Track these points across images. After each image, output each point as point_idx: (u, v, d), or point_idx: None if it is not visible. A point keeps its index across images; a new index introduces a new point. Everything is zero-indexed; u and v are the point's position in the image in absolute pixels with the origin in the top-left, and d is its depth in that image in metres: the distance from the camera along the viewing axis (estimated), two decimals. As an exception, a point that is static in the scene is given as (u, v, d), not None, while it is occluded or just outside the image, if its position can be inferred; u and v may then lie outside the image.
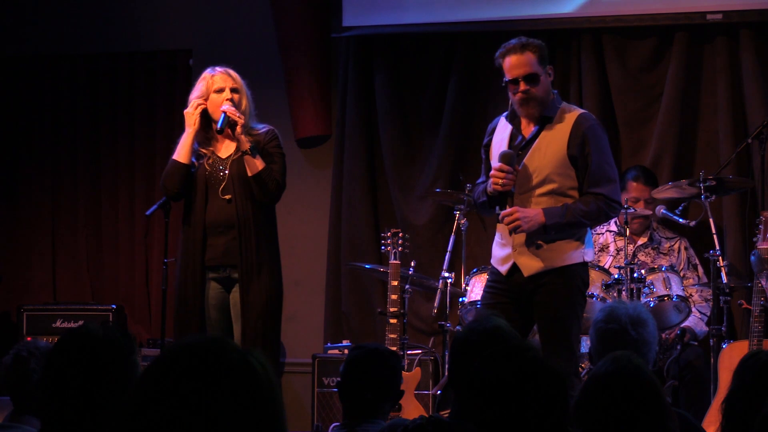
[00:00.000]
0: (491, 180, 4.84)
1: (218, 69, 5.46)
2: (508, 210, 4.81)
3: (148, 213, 6.19)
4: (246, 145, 5.31)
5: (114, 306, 7.37)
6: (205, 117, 5.43)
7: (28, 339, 6.82)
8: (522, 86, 4.85)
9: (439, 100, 7.28)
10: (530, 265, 4.85)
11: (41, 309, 7.40)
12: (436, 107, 7.29)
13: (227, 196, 5.34)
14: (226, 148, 5.43)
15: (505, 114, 5.04)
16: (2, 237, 8.10)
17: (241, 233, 5.29)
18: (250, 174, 5.32)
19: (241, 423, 1.63)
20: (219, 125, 5.33)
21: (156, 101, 7.94)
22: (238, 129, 5.32)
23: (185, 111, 5.46)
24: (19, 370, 3.81)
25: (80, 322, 7.27)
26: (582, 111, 5.02)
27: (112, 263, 7.94)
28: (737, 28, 6.74)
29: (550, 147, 4.86)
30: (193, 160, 5.45)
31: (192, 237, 5.38)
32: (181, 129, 7.82)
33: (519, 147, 4.92)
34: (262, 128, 5.48)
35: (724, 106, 6.73)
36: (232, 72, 5.46)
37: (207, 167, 5.41)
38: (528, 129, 4.94)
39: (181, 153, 5.41)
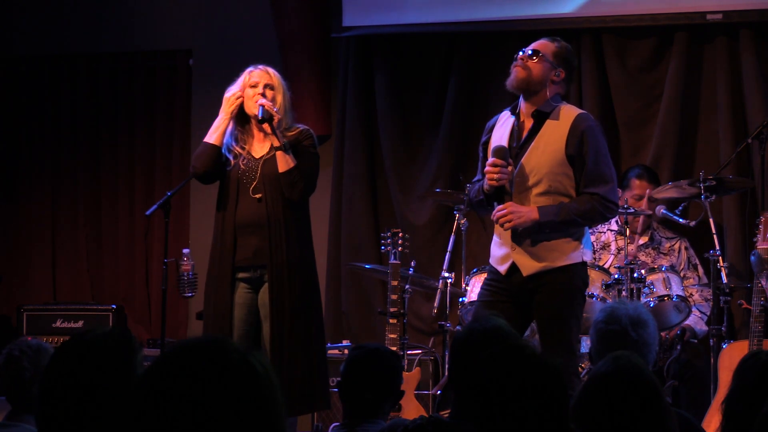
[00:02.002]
0: (486, 176, 4.85)
1: (260, 66, 5.46)
2: (502, 206, 4.81)
3: (148, 213, 6.18)
4: (281, 140, 5.28)
5: (114, 306, 7.37)
6: (240, 112, 5.42)
7: (29, 339, 6.82)
8: (522, 54, 4.93)
9: (439, 100, 7.28)
10: (529, 264, 4.85)
11: (41, 309, 7.40)
12: (436, 107, 7.29)
13: (258, 195, 5.32)
14: (261, 148, 5.38)
15: (508, 108, 5.04)
16: (2, 237, 8.10)
17: (270, 233, 5.27)
18: (280, 170, 5.30)
19: (241, 423, 1.63)
20: (260, 115, 5.29)
21: (156, 101, 7.94)
22: (274, 123, 5.30)
23: (225, 96, 5.43)
24: (12, 369, 3.81)
25: (80, 323, 7.27)
26: (581, 111, 5.01)
27: (112, 263, 7.94)
28: (737, 28, 6.74)
29: (549, 146, 4.85)
30: (229, 156, 5.41)
31: (223, 237, 5.35)
32: (181, 129, 7.88)
33: (518, 146, 4.92)
34: (299, 127, 5.46)
35: (724, 106, 6.73)
36: (271, 70, 5.44)
37: (242, 166, 5.39)
38: (527, 124, 4.94)
39: (213, 135, 5.37)
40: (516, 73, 4.92)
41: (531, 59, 4.91)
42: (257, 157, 5.38)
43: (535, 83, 4.90)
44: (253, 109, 5.35)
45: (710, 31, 6.82)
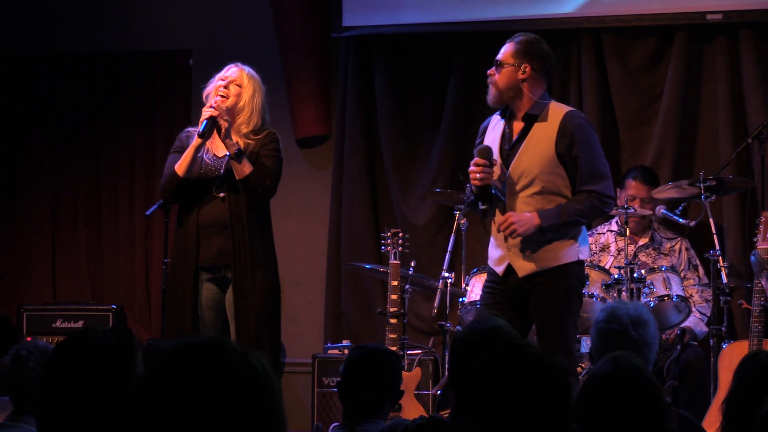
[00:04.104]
0: (470, 176, 4.86)
1: (239, 65, 5.46)
2: (503, 217, 4.83)
3: (148, 213, 6.18)
4: (232, 149, 5.27)
5: (114, 306, 7.36)
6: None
7: (29, 339, 6.81)
8: (489, 71, 4.97)
9: (439, 100, 7.28)
10: (524, 266, 4.85)
11: (41, 309, 7.40)
12: (436, 107, 7.29)
13: (221, 195, 5.31)
14: (222, 146, 5.40)
15: (498, 111, 5.05)
16: (2, 237, 8.10)
17: (234, 233, 5.26)
18: (238, 178, 5.27)
19: (241, 423, 1.62)
20: (200, 130, 5.29)
21: (156, 101, 7.94)
22: (222, 133, 5.27)
23: (203, 108, 5.41)
24: (18, 369, 3.81)
25: (80, 323, 7.27)
26: (569, 109, 5.01)
27: (112, 263, 7.94)
28: (737, 28, 6.74)
29: (538, 146, 4.86)
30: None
31: (186, 237, 5.34)
32: (181, 129, 7.84)
33: (509, 149, 4.93)
34: (266, 129, 5.44)
35: (724, 106, 6.73)
36: (247, 70, 5.43)
37: (206, 160, 5.36)
38: (517, 127, 4.95)
39: (183, 165, 5.33)
40: (489, 91, 4.99)
41: (496, 73, 4.94)
42: (220, 155, 5.36)
43: (505, 92, 4.92)
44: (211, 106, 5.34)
45: (710, 31, 6.82)
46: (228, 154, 5.30)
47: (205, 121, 5.28)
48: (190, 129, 5.49)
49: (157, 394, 1.63)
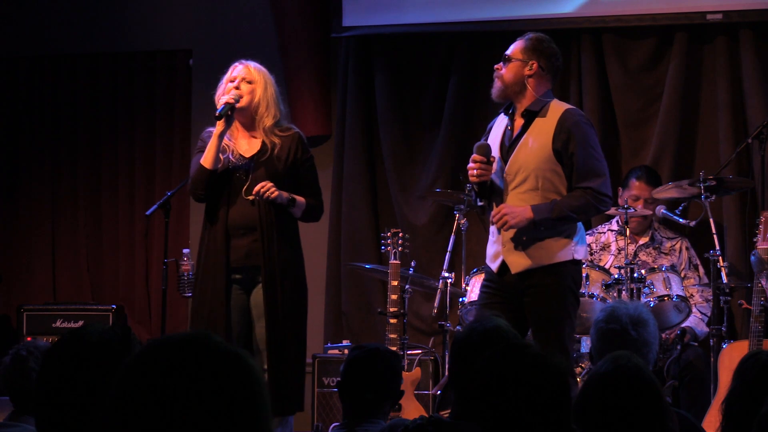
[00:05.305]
0: (468, 173, 4.88)
1: (243, 61, 5.46)
2: (496, 209, 4.84)
3: (148, 213, 6.19)
4: (285, 202, 5.28)
5: (114, 306, 7.36)
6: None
7: (29, 339, 6.81)
8: (496, 65, 5.00)
9: (439, 100, 7.28)
10: (518, 262, 4.86)
11: (41, 309, 7.39)
12: (436, 107, 7.29)
13: (251, 197, 5.30)
14: (249, 145, 5.35)
15: (502, 109, 5.07)
16: (2, 237, 8.10)
17: (263, 235, 5.26)
18: (298, 218, 5.38)
19: (227, 416, 1.63)
20: (217, 112, 5.25)
21: (156, 101, 7.94)
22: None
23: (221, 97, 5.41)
24: (18, 369, 3.81)
25: (80, 322, 7.27)
26: (568, 107, 5.03)
27: (112, 263, 7.94)
28: (737, 28, 6.74)
29: (536, 143, 4.88)
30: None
31: (214, 238, 5.31)
32: (181, 129, 7.87)
33: (508, 144, 4.95)
34: (292, 129, 5.44)
35: (724, 106, 6.73)
36: (253, 65, 5.41)
37: (232, 159, 5.34)
38: (518, 124, 4.97)
39: (208, 158, 5.28)
40: (494, 85, 5.01)
41: (503, 67, 4.97)
42: (247, 156, 5.35)
43: (511, 86, 4.95)
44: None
45: (710, 31, 6.82)
46: (254, 154, 5.31)
47: (222, 105, 5.27)
48: (211, 129, 5.46)
49: (138, 387, 1.63)
